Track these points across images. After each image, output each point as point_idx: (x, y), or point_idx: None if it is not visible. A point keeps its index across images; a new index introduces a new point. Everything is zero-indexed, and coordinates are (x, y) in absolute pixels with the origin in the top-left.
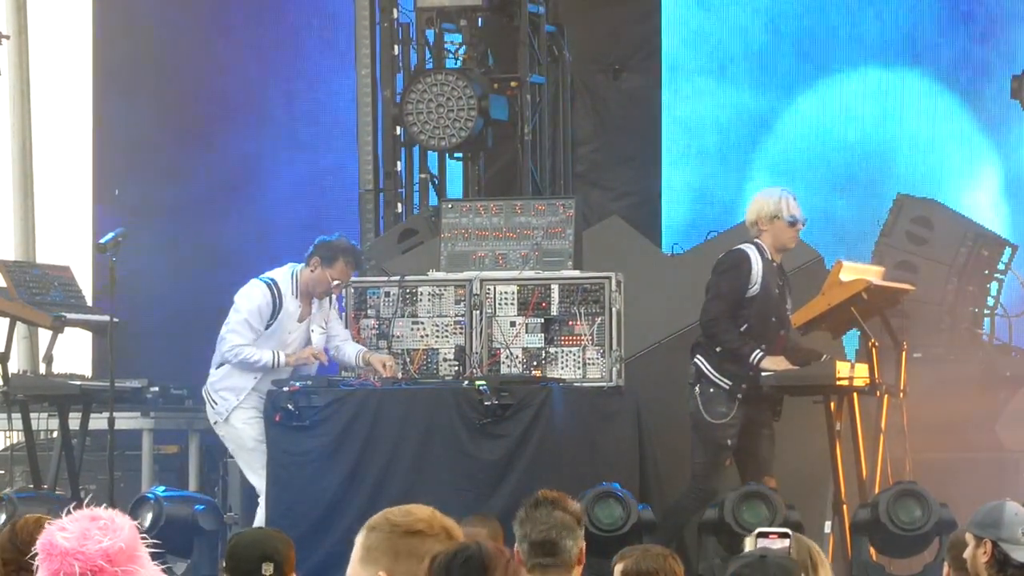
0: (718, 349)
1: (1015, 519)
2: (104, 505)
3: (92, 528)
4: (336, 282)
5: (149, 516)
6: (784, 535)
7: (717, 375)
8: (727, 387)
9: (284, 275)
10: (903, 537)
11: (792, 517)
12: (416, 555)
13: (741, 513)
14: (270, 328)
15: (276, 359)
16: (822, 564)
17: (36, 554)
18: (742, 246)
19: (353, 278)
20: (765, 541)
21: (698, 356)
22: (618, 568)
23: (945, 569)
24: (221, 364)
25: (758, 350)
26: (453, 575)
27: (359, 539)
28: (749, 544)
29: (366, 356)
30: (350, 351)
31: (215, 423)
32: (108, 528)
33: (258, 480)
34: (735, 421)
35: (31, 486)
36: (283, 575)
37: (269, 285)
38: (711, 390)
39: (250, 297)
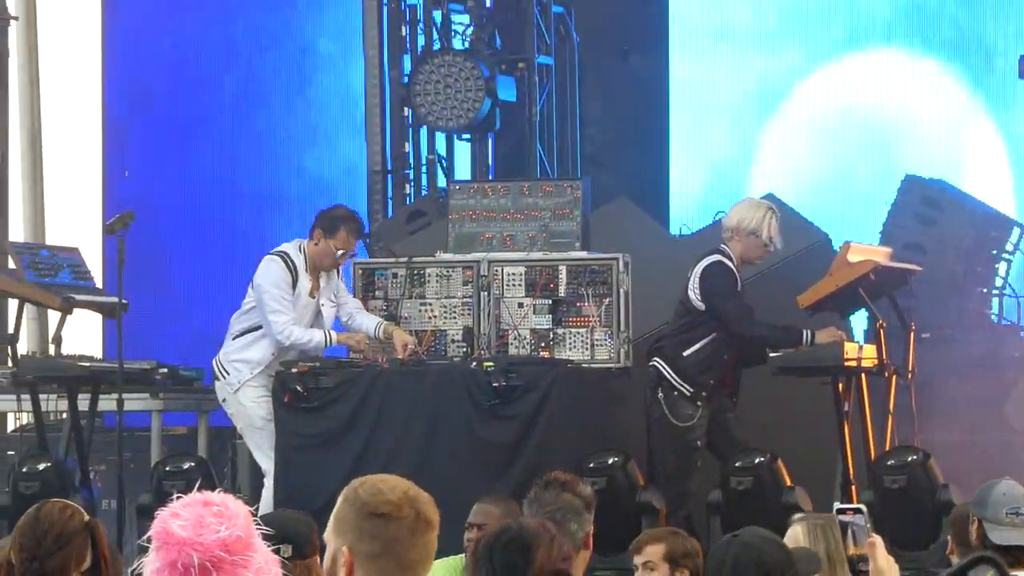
0: (762, 340)
1: (1002, 499)
2: (209, 488)
3: (207, 515)
4: (340, 252)
5: None
6: (858, 511)
7: (679, 381)
8: (689, 393)
9: (293, 249)
10: (902, 500)
11: (790, 499)
12: (379, 537)
13: (733, 464)
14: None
15: (328, 338)
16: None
17: (53, 544)
18: (719, 257)
19: (361, 259)
20: (843, 517)
21: (657, 360)
22: (656, 550)
23: (948, 545)
24: (239, 336)
25: (804, 331)
26: (496, 556)
27: (337, 503)
28: (800, 529)
29: (388, 329)
30: (368, 323)
31: (223, 399)
32: (223, 515)
33: (265, 460)
34: (702, 422)
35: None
36: (303, 556)
37: (283, 258)
38: (674, 394)
39: (271, 272)
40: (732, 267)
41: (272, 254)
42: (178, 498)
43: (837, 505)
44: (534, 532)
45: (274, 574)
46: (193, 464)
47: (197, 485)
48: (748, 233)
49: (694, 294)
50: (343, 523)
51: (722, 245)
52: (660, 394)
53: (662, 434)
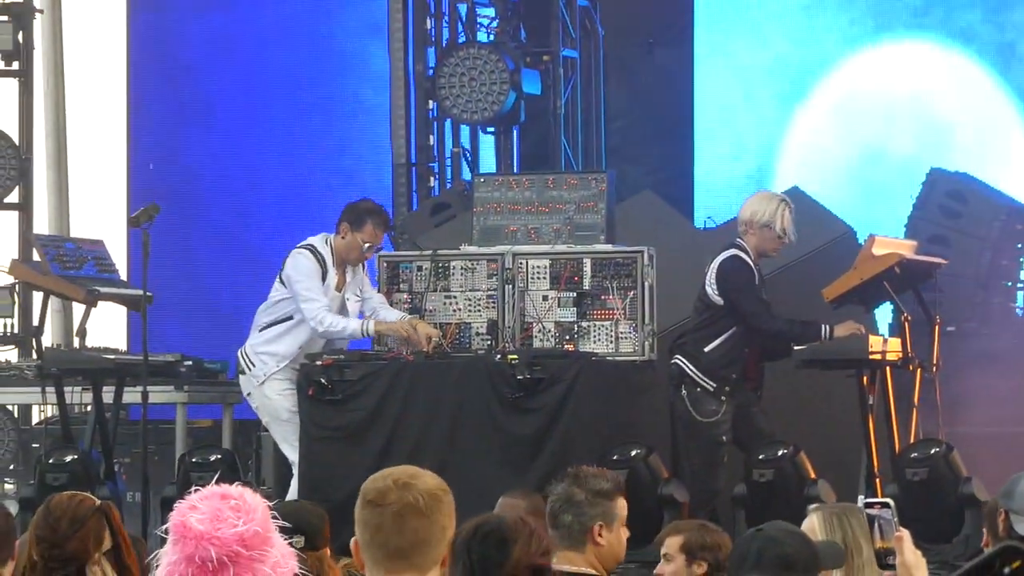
0: (786, 337)
1: None
2: (227, 480)
3: (224, 509)
4: (367, 245)
5: None
6: (885, 504)
7: (701, 376)
8: (712, 388)
9: (320, 243)
10: (924, 492)
11: (812, 492)
12: (368, 525)
13: (756, 457)
14: None
15: (364, 328)
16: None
17: (69, 528)
18: (735, 252)
19: (386, 252)
20: (870, 510)
21: (678, 357)
22: (674, 541)
23: (984, 536)
24: (265, 328)
25: (823, 326)
26: (473, 550)
27: None
28: (816, 518)
29: (412, 322)
30: (391, 318)
31: (248, 393)
32: (241, 509)
33: (292, 452)
34: (726, 417)
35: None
36: (314, 548)
37: (311, 250)
38: (697, 390)
39: (301, 264)
40: (749, 261)
41: (300, 247)
42: (196, 491)
43: (865, 499)
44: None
45: (290, 568)
46: (219, 456)
47: (216, 477)
48: (761, 226)
49: (712, 289)
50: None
51: (738, 239)
52: (683, 391)
53: (687, 431)
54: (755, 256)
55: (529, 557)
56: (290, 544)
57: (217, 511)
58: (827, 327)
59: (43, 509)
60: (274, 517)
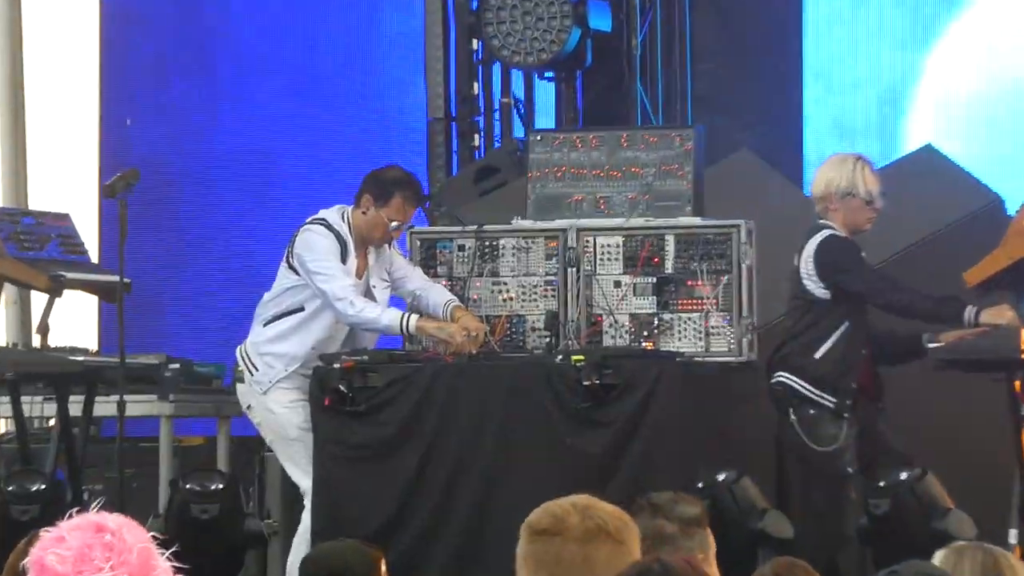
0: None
1: None
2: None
3: (95, 546)
4: (394, 224)
5: None
6: None
7: (816, 392)
8: (832, 405)
9: (335, 217)
10: None
11: (939, 525)
12: (539, 561)
13: (874, 484)
14: None
15: (404, 323)
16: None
17: None
18: (827, 232)
19: (420, 227)
20: None
21: (782, 374)
22: None
23: None
24: (271, 321)
25: (968, 307)
26: None
27: None
28: (941, 555)
29: (457, 313)
30: (437, 298)
31: (248, 407)
32: (114, 549)
33: (303, 477)
34: (849, 442)
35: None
36: None
37: (325, 225)
38: (811, 412)
39: (313, 241)
40: (846, 236)
41: (311, 222)
42: (71, 516)
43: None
44: (680, 572)
45: None
46: (221, 485)
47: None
48: (842, 195)
49: (812, 283)
50: (518, 561)
51: (821, 221)
52: (792, 416)
53: (802, 464)
54: (848, 235)
55: None
56: None
57: (86, 549)
58: (972, 309)
59: (24, 547)
60: (169, 557)
